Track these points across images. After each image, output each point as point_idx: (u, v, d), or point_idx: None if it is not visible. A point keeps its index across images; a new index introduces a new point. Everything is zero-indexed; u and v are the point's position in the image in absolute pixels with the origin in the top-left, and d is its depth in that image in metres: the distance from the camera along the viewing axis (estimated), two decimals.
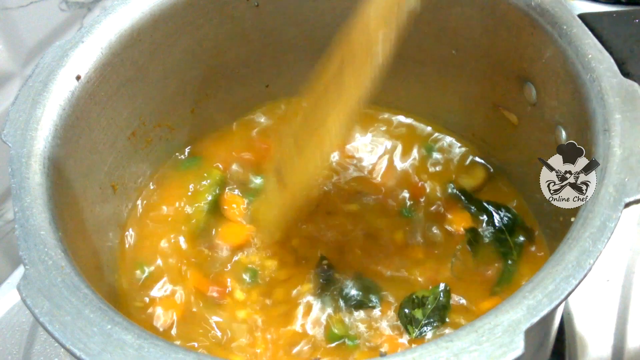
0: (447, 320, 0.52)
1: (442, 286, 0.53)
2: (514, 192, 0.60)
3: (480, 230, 0.57)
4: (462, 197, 0.60)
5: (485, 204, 0.59)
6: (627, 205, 0.39)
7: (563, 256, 0.37)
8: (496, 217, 0.58)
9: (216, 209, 0.60)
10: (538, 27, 0.49)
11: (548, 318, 0.35)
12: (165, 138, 0.60)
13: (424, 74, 0.63)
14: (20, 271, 0.65)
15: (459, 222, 0.58)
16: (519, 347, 0.33)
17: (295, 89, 0.66)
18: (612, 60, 0.45)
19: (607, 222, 0.38)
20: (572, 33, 0.47)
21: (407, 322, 0.52)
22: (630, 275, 0.60)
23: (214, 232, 0.58)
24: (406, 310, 0.53)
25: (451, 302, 0.53)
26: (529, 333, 0.34)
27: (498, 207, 0.58)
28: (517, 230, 0.57)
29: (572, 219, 0.40)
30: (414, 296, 0.53)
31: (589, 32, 0.47)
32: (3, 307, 0.64)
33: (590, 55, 0.46)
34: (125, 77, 0.54)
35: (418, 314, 0.52)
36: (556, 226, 0.50)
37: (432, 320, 0.52)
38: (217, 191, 0.60)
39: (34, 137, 0.46)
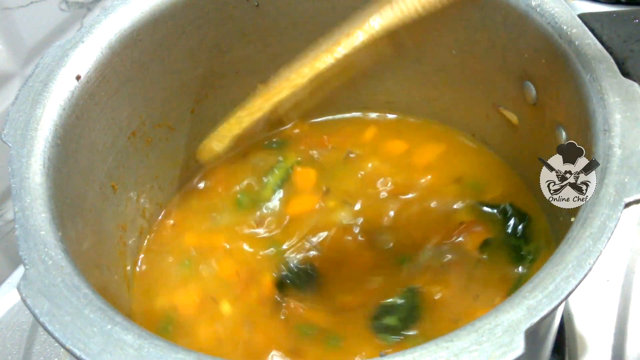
0: (421, 320, 0.52)
1: (409, 288, 0.53)
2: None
3: (494, 238, 0.56)
4: (480, 208, 0.58)
5: (504, 211, 0.57)
6: (627, 205, 0.38)
7: (563, 256, 0.37)
8: (512, 224, 0.56)
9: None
10: (538, 27, 0.49)
11: (548, 318, 0.35)
12: (165, 138, 0.60)
13: (424, 73, 0.63)
14: (20, 271, 0.65)
15: (474, 241, 0.56)
16: (519, 347, 0.33)
17: None
18: (612, 60, 0.45)
19: (607, 222, 0.38)
20: (572, 33, 0.47)
21: (383, 331, 0.52)
22: (630, 275, 0.60)
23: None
24: (378, 321, 0.52)
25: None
26: (529, 333, 0.34)
27: (518, 214, 0.57)
28: (535, 238, 0.55)
29: (572, 219, 0.40)
30: (382, 305, 0.53)
31: (589, 32, 0.47)
32: (3, 307, 0.64)
33: (590, 55, 0.46)
34: (125, 77, 0.54)
35: (392, 320, 0.52)
36: (558, 227, 0.50)
37: (407, 323, 0.52)
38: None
39: (34, 137, 0.46)
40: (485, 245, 0.56)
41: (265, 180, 0.63)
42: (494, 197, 0.59)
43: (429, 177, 0.61)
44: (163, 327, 0.54)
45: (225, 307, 0.55)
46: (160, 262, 0.59)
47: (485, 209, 0.58)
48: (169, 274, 0.58)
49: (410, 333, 0.51)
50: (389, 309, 0.53)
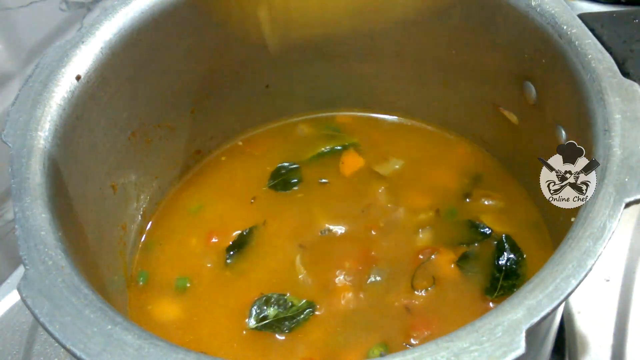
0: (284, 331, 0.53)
1: (309, 305, 0.54)
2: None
3: (473, 256, 0.56)
4: (476, 228, 0.58)
5: (501, 241, 0.56)
6: (627, 205, 0.38)
7: (563, 256, 0.37)
8: (503, 257, 0.55)
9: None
10: (538, 27, 0.49)
11: (548, 318, 0.35)
12: (165, 138, 0.60)
13: (424, 73, 0.63)
14: (20, 271, 0.65)
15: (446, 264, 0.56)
16: (520, 347, 0.33)
17: (295, 89, 0.66)
18: (612, 60, 0.45)
19: (607, 222, 0.38)
20: (572, 33, 0.47)
21: (258, 315, 0.53)
22: (630, 275, 0.60)
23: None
24: (263, 306, 0.54)
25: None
26: (529, 333, 0.34)
27: (513, 247, 0.56)
28: (514, 275, 0.54)
29: (572, 219, 0.40)
30: (283, 298, 0.54)
31: (589, 32, 0.47)
32: (3, 307, 0.64)
33: (590, 55, 0.46)
34: (125, 77, 0.53)
35: (271, 313, 0.53)
36: (558, 228, 0.50)
37: (275, 324, 0.53)
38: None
39: (34, 137, 0.46)
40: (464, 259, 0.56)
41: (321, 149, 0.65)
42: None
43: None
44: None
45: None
46: (161, 262, 0.59)
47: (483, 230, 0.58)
48: (169, 273, 0.58)
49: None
50: (282, 304, 0.54)
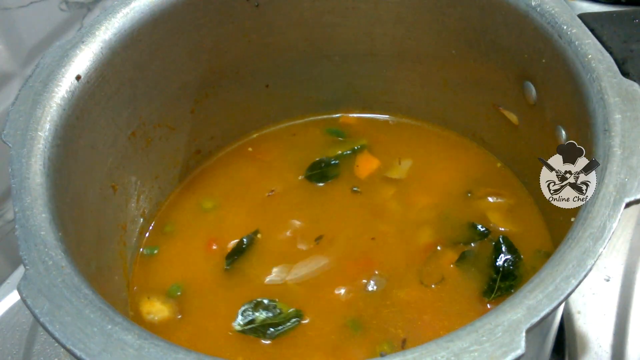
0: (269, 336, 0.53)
1: (297, 313, 0.54)
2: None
3: (472, 255, 0.56)
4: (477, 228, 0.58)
5: (498, 241, 0.56)
6: (627, 205, 0.39)
7: (563, 256, 0.37)
8: (500, 257, 0.55)
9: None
10: (538, 27, 0.49)
11: (548, 318, 0.35)
12: (165, 138, 0.60)
13: (424, 73, 0.63)
14: (20, 271, 0.65)
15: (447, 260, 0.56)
16: (520, 347, 0.33)
17: (295, 89, 0.66)
18: (612, 60, 0.45)
19: (607, 222, 0.38)
20: (572, 33, 0.47)
21: (245, 319, 0.53)
22: (630, 275, 0.60)
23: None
24: (252, 310, 0.54)
25: None
26: (529, 333, 0.34)
27: (510, 248, 0.56)
28: (511, 277, 0.54)
29: (572, 219, 0.40)
30: (273, 304, 0.54)
31: (589, 32, 0.47)
32: (3, 307, 0.64)
33: (590, 55, 0.46)
34: (125, 77, 0.53)
35: (259, 318, 0.53)
36: (558, 227, 0.50)
37: (260, 329, 0.53)
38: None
39: (34, 137, 0.46)
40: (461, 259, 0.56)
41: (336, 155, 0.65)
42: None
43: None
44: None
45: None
46: (162, 263, 0.59)
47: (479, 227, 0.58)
48: (168, 276, 0.58)
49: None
50: (271, 309, 0.54)
